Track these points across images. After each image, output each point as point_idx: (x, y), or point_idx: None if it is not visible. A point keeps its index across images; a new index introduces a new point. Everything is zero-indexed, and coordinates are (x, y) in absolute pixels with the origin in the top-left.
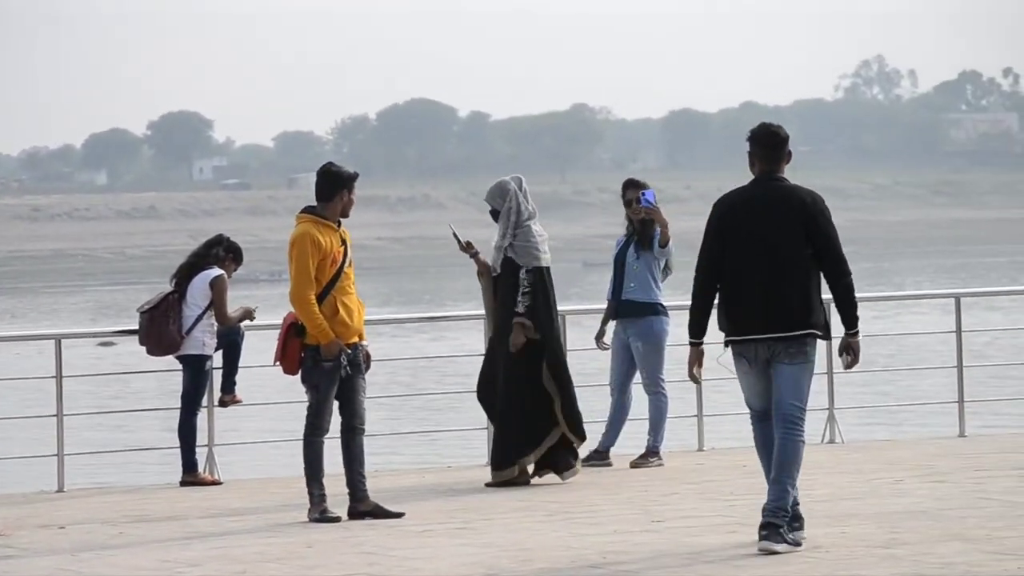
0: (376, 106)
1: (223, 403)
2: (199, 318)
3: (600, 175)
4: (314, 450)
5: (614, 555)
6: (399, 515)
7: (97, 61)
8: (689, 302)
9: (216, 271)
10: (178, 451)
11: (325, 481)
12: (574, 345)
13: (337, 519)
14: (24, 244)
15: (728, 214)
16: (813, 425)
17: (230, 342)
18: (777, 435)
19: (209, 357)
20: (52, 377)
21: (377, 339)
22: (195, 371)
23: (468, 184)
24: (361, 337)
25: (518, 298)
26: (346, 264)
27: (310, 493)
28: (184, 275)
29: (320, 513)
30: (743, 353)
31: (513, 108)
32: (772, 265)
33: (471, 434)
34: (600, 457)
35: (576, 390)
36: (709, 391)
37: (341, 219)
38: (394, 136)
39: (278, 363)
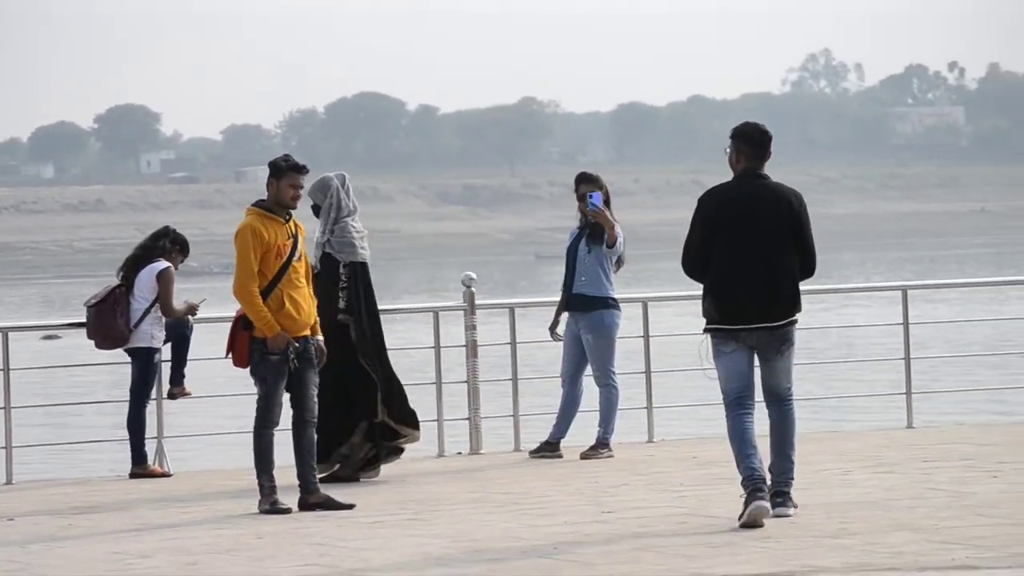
0: (324, 99)
1: (172, 395)
2: (147, 311)
3: (549, 168)
4: (264, 442)
5: (565, 546)
6: (350, 506)
7: (43, 54)
8: (641, 295)
9: (163, 264)
10: (127, 443)
11: (276, 473)
12: (523, 337)
13: (288, 510)
14: None
15: (718, 209)
16: (760, 417)
17: (179, 335)
18: (774, 414)
19: (157, 350)
20: None
21: None
22: (143, 364)
23: (417, 178)
24: (314, 331)
25: (339, 294)
26: (295, 257)
27: (260, 485)
28: (131, 268)
29: (271, 504)
30: (731, 336)
31: (462, 102)
32: (763, 259)
33: (422, 425)
34: (550, 448)
35: (404, 383)
36: (659, 383)
37: (290, 211)
38: (343, 129)
39: (229, 355)
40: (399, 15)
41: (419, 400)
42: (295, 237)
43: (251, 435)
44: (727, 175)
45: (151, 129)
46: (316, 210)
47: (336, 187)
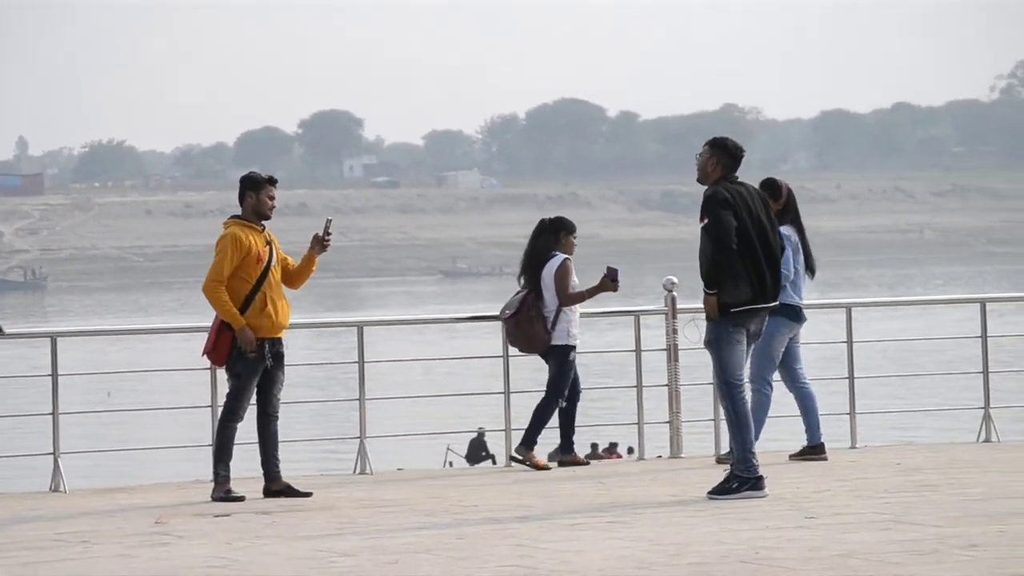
0: (525, 105)
1: None
2: (559, 309)
3: (750, 174)
4: (228, 434)
5: (766, 551)
6: (307, 495)
7: (250, 61)
8: (844, 300)
9: (560, 257)
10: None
11: (234, 464)
12: None
13: (241, 498)
14: (177, 240)
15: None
16: (969, 424)
17: None
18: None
19: (573, 347)
20: (205, 369)
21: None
22: (560, 360)
23: (617, 183)
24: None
25: None
26: (272, 263)
27: (216, 473)
28: (531, 271)
29: (224, 493)
30: (743, 324)
31: (662, 108)
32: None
33: (625, 429)
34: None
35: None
36: (863, 387)
37: (264, 222)
38: (543, 135)
39: (206, 355)
40: (600, 21)
41: (620, 403)
42: (270, 244)
43: (220, 428)
44: (930, 182)
45: (354, 134)
46: None
47: None
